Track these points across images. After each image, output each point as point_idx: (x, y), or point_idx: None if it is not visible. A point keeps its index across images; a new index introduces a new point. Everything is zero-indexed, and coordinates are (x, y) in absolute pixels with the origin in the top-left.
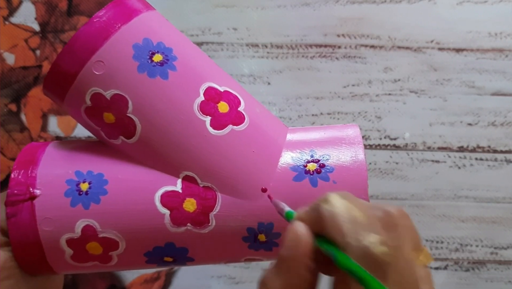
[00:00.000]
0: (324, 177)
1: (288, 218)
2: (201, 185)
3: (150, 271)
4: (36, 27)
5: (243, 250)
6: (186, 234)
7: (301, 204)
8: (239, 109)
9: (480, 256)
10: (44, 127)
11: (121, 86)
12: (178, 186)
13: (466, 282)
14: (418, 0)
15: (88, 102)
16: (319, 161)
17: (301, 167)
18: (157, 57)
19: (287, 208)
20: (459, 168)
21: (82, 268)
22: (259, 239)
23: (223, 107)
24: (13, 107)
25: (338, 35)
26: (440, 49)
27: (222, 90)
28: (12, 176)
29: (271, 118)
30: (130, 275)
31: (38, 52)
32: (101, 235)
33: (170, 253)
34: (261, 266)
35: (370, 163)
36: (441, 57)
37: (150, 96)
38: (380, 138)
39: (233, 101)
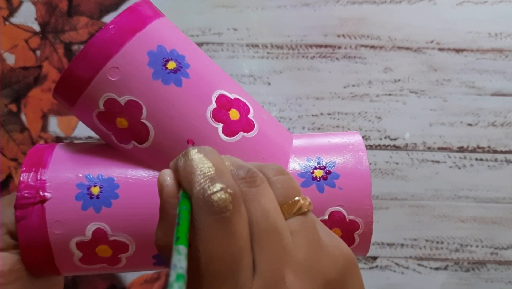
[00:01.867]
0: (330, 183)
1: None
2: None
3: (150, 271)
4: (36, 28)
5: None
6: None
7: None
8: (248, 116)
9: (480, 256)
10: (44, 128)
11: (136, 93)
12: None
13: (466, 282)
14: (418, 0)
15: (101, 107)
16: (325, 167)
17: (309, 173)
18: (171, 65)
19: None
20: (459, 168)
21: (88, 270)
22: None
23: (234, 114)
24: (13, 107)
25: (338, 36)
26: (440, 49)
27: (232, 98)
28: (21, 178)
29: (277, 125)
30: (130, 276)
31: (38, 52)
32: (111, 238)
33: None
34: None
35: (370, 163)
36: (441, 58)
37: (165, 103)
38: (380, 139)
39: (243, 109)
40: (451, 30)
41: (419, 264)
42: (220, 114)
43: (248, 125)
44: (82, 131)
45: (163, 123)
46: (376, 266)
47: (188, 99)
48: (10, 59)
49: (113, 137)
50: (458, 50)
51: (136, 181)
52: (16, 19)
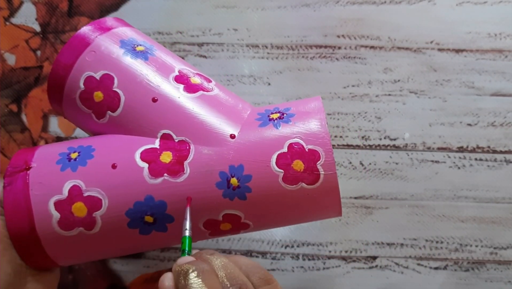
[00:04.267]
0: (286, 120)
1: (183, 240)
2: (177, 140)
3: (150, 271)
4: (37, 28)
5: (218, 199)
6: (163, 185)
7: (266, 143)
8: (210, 84)
9: (480, 256)
10: (45, 128)
11: (108, 67)
12: (156, 144)
13: (465, 282)
14: (417, 1)
15: (82, 86)
16: (281, 112)
17: (265, 116)
18: (140, 48)
19: (187, 232)
20: (459, 168)
21: (68, 241)
22: (232, 183)
23: (195, 80)
24: (13, 107)
25: (338, 36)
26: (439, 49)
27: (195, 72)
28: (12, 158)
29: (238, 98)
30: (130, 275)
31: (39, 52)
32: (86, 194)
33: (150, 209)
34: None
35: (370, 163)
36: (440, 58)
37: (132, 72)
38: (380, 139)
39: (205, 79)
40: (450, 30)
41: (418, 264)
42: (181, 79)
43: (208, 89)
44: (82, 131)
45: (131, 87)
46: (376, 266)
47: (153, 68)
48: (11, 59)
49: (93, 116)
50: (457, 51)
51: (110, 142)
52: (17, 19)
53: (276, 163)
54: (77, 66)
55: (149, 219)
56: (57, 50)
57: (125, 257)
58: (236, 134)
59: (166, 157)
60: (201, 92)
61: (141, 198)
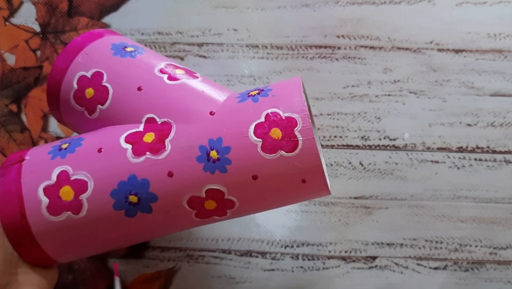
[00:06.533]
0: (265, 94)
1: None
2: (160, 122)
3: (150, 271)
4: (37, 28)
5: (199, 173)
6: (145, 164)
7: (243, 115)
8: (194, 74)
9: (480, 256)
10: (44, 128)
11: (99, 65)
12: (140, 127)
13: (465, 282)
14: (417, 1)
15: (75, 86)
16: (261, 89)
17: (245, 94)
18: (129, 49)
19: None
20: (459, 168)
21: (58, 228)
22: (212, 156)
23: (179, 71)
24: (13, 107)
25: (338, 36)
26: (439, 50)
27: (181, 66)
28: (10, 155)
29: (223, 87)
30: (130, 275)
31: (38, 53)
32: (73, 178)
33: (133, 188)
34: (261, 266)
35: (369, 163)
36: (440, 58)
37: (121, 67)
38: (380, 139)
39: (190, 72)
40: (450, 30)
41: (418, 264)
42: (166, 70)
43: (191, 77)
44: None
45: (119, 80)
46: (376, 266)
47: (140, 63)
48: (11, 59)
49: (86, 113)
50: (457, 51)
51: (99, 132)
52: (17, 19)
53: (254, 133)
54: (71, 68)
55: (133, 198)
56: (57, 50)
57: (125, 257)
58: (215, 111)
59: (149, 137)
60: (184, 80)
61: (125, 177)
